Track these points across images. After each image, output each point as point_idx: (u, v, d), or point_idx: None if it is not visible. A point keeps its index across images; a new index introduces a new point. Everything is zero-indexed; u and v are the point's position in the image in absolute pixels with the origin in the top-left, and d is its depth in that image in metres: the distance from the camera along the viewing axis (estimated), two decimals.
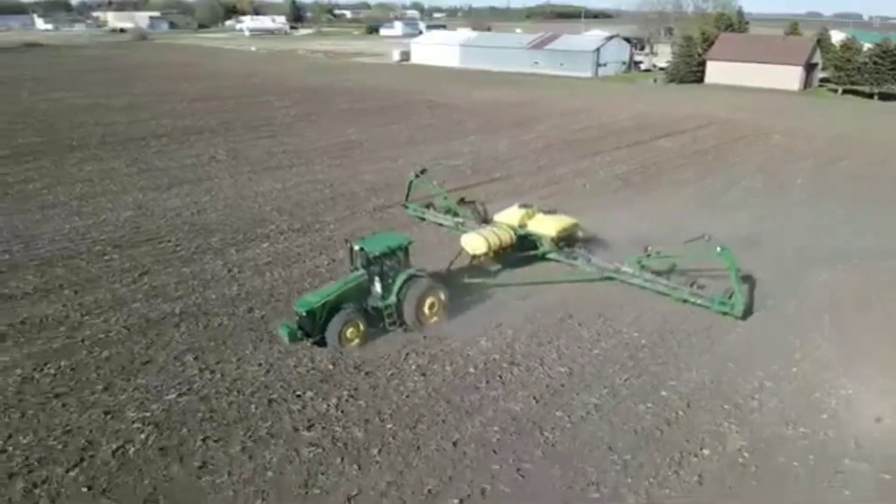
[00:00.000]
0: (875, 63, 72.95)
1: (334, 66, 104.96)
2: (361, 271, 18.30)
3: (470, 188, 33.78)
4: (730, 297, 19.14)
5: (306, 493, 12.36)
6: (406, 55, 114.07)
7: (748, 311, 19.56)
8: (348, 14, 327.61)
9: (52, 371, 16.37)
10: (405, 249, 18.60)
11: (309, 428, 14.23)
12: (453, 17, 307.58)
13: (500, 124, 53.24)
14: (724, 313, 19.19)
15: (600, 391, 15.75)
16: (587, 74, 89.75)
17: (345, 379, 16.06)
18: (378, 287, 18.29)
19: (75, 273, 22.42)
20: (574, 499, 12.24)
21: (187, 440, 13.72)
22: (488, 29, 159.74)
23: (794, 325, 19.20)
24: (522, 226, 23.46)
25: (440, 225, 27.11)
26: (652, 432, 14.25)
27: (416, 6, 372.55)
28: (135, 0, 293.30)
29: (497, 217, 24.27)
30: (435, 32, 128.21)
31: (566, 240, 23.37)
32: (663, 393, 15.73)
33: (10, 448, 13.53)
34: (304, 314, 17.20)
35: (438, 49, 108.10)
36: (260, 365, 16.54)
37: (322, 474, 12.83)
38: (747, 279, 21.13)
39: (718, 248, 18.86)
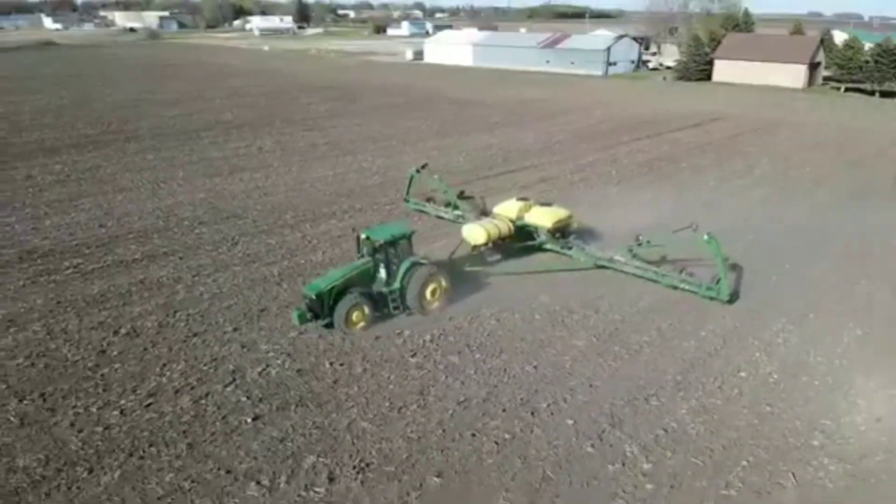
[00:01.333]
0: (876, 62, 75.94)
1: (350, 65, 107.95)
2: (368, 258, 19.33)
3: (507, 174, 36.99)
4: (717, 282, 20.06)
5: (423, 400, 15.36)
6: (419, 54, 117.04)
7: (734, 296, 20.53)
8: (351, 14, 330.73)
9: (184, 317, 19.37)
10: (409, 238, 19.64)
11: (413, 356, 17.25)
12: (455, 17, 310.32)
13: (522, 118, 56.22)
14: (711, 298, 20.17)
15: (650, 332, 18.72)
16: (598, 73, 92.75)
17: (433, 323, 19.06)
18: (383, 273, 19.36)
19: (173, 243, 25.45)
20: (639, 402, 15.23)
21: (317, 365, 16.73)
22: (495, 29, 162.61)
23: (809, 282, 22.22)
24: (520, 218, 24.45)
25: (440, 217, 28.31)
26: (696, 360, 17.24)
27: (418, 6, 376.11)
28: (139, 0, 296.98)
29: (496, 209, 25.22)
30: (448, 32, 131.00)
31: (561, 230, 24.46)
32: (703, 333, 18.72)
33: (168, 373, 16.52)
34: (314, 297, 18.07)
35: (451, 48, 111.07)
36: None
37: (432, 387, 15.84)
38: (734, 266, 22.30)
39: (705, 236, 19.86)
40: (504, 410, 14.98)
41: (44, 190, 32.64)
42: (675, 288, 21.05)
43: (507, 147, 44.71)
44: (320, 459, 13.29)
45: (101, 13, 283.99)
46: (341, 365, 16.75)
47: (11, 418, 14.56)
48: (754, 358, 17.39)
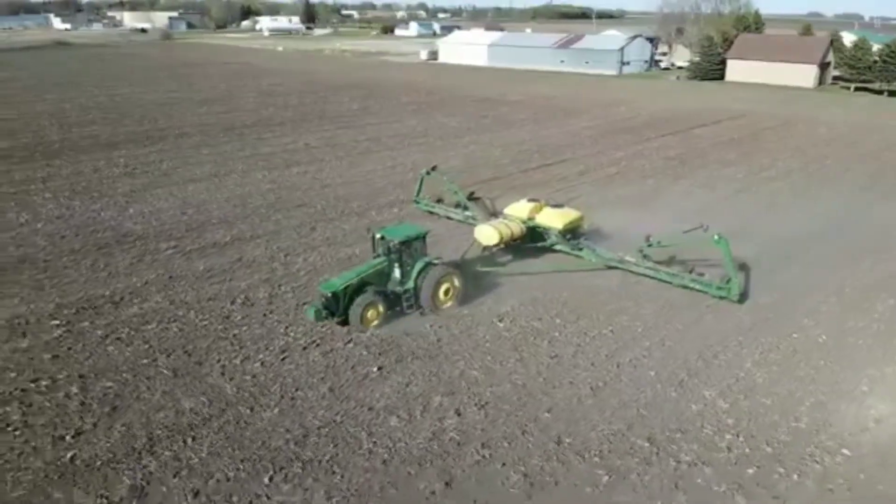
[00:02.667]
0: (885, 62, 78.16)
1: (367, 65, 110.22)
2: (383, 258, 19.74)
3: (546, 167, 39.30)
4: (727, 282, 20.31)
5: (519, 355, 17.63)
6: (434, 54, 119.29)
7: (744, 296, 20.82)
8: (355, 14, 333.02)
9: (289, 290, 21.62)
10: (423, 238, 20.01)
11: (500, 321, 19.53)
12: (457, 18, 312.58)
13: (547, 116, 58.49)
14: (722, 297, 20.43)
15: (708, 303, 20.91)
16: (612, 72, 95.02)
17: (512, 293, 21.33)
18: (397, 273, 19.68)
19: (256, 228, 27.73)
20: (709, 358, 17.50)
21: (418, 327, 19.00)
22: (501, 29, 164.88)
23: (842, 258, 24.65)
24: (531, 218, 24.66)
25: (449, 219, 28.57)
26: (753, 325, 19.49)
27: (420, 6, 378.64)
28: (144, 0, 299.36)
29: (507, 210, 25.37)
30: (462, 33, 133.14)
31: (572, 232, 24.64)
32: (754, 305, 20.96)
33: (292, 333, 18.67)
34: (329, 295, 18.43)
35: (466, 49, 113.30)
36: None
37: (524, 346, 18.11)
38: (742, 266, 22.55)
39: (715, 237, 20.13)
40: (592, 364, 17.25)
41: (115, 181, 34.91)
42: (686, 288, 21.20)
43: (538, 142, 46.97)
44: (444, 399, 15.56)
45: (110, 13, 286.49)
46: (440, 327, 19.03)
47: (164, 371, 16.82)
48: (803, 323, 19.66)
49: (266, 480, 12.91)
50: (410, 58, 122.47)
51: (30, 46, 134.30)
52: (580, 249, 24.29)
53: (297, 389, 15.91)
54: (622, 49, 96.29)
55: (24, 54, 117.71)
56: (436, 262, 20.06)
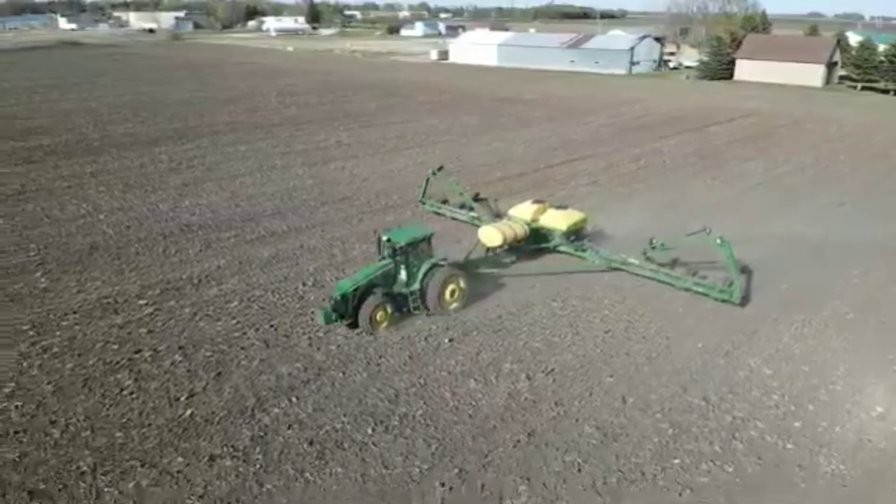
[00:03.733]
0: (891, 62, 79.92)
1: (379, 65, 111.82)
2: (389, 260, 19.87)
3: (570, 163, 41.02)
4: (729, 285, 20.45)
5: (575, 330, 19.33)
6: (444, 54, 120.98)
7: (746, 299, 21.03)
8: (358, 15, 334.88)
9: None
10: (428, 240, 20.21)
11: (553, 300, 21.22)
12: (459, 18, 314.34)
13: (563, 114, 60.17)
14: (724, 300, 20.60)
15: None
16: (622, 72, 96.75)
17: (556, 279, 23.02)
18: (404, 274, 19.87)
19: (307, 220, 29.40)
20: (749, 333, 19.19)
21: (479, 305, 20.68)
22: (506, 29, 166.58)
23: (860, 240, 26.46)
24: (535, 220, 24.90)
25: (455, 219, 28.87)
26: (788, 303, 21.16)
27: (422, 6, 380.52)
28: (148, 0, 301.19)
29: (511, 212, 25.61)
30: (473, 33, 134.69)
31: (575, 233, 24.93)
32: (784, 286, 22.62)
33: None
34: (339, 298, 18.72)
35: (476, 48, 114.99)
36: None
37: (578, 322, 19.81)
38: (744, 269, 22.59)
39: (718, 240, 20.35)
40: (644, 338, 18.94)
41: (164, 176, 36.59)
42: (688, 290, 21.37)
43: (558, 140, 48.66)
44: (514, 365, 17.27)
45: (115, 13, 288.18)
46: (497, 306, 20.72)
47: (256, 342, 18.50)
48: (833, 303, 21.35)
49: (369, 431, 14.60)
50: (420, 58, 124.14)
51: (40, 46, 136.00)
52: (584, 251, 24.46)
53: (380, 357, 17.60)
54: (632, 49, 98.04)
55: (37, 53, 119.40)
56: (441, 263, 20.24)
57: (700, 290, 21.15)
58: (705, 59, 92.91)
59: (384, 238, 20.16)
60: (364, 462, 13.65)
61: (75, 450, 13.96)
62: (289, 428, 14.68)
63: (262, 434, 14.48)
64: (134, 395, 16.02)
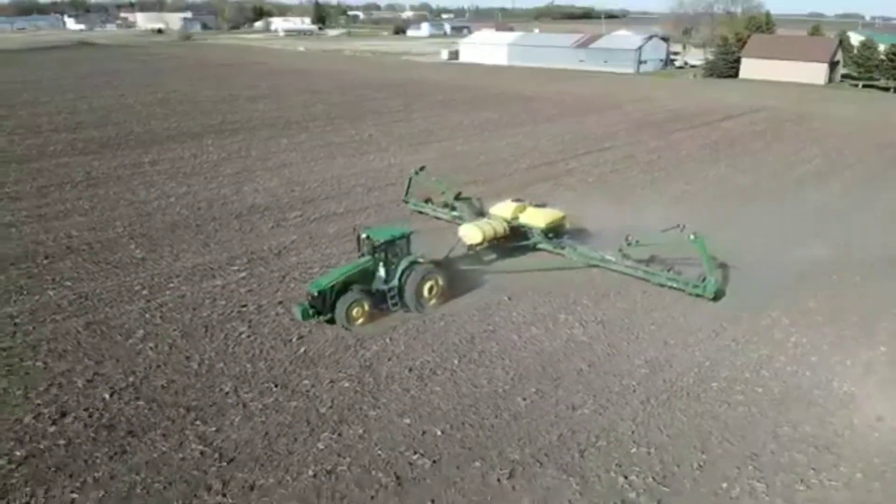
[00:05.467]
0: (891, 61, 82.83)
1: (391, 65, 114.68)
2: (368, 257, 20.30)
3: (592, 154, 43.93)
4: (703, 280, 21.01)
5: (618, 290, 22.20)
6: (454, 54, 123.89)
7: (720, 294, 21.43)
8: (361, 15, 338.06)
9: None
10: (407, 238, 20.56)
11: (593, 267, 24.12)
12: (461, 18, 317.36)
13: (579, 111, 63.07)
14: (698, 296, 21.13)
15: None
16: (630, 71, 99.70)
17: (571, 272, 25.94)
18: (382, 272, 20.31)
19: (362, 202, 32.38)
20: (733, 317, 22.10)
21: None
22: (511, 29, 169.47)
23: (873, 216, 29.39)
24: (515, 218, 25.44)
25: (438, 218, 29.28)
26: (804, 275, 24.06)
27: (424, 7, 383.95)
28: (152, 0, 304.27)
29: (492, 210, 26.14)
30: (483, 33, 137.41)
31: (554, 231, 25.39)
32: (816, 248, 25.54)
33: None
34: (316, 294, 18.98)
35: (486, 48, 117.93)
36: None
37: (621, 286, 22.68)
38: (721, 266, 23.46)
39: (692, 236, 20.74)
40: (679, 295, 21.83)
41: (217, 165, 39.50)
42: (663, 286, 21.88)
43: (578, 133, 51.54)
44: (568, 316, 20.31)
45: (123, 14, 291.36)
46: (542, 275, 23.64)
47: None
48: (853, 278, 24.26)
49: (455, 362, 17.53)
50: (430, 57, 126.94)
51: (55, 46, 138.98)
52: (562, 248, 24.98)
53: (451, 311, 20.49)
54: (640, 48, 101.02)
55: (56, 53, 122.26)
56: (420, 260, 20.59)
57: (675, 285, 21.66)
58: (711, 58, 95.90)
59: (363, 236, 20.63)
60: (456, 384, 16.58)
61: (215, 377, 16.86)
62: (388, 360, 17.61)
63: (368, 364, 17.40)
64: (251, 338, 18.91)
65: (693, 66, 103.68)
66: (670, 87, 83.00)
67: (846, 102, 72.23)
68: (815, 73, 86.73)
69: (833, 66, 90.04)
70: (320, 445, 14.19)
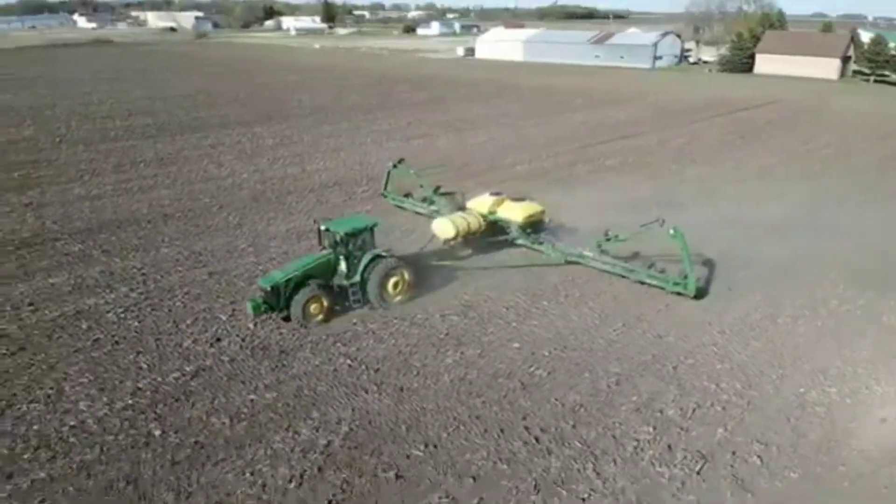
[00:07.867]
0: None
1: (408, 62, 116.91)
2: (329, 250, 19.38)
3: (620, 140, 46.32)
4: (684, 277, 20.15)
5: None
6: (470, 51, 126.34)
7: (701, 292, 20.79)
8: (367, 14, 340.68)
9: None
10: (371, 231, 19.60)
11: None
12: (466, 18, 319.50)
13: (600, 102, 65.44)
14: (679, 293, 20.41)
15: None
16: (646, 66, 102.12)
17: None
18: (343, 266, 19.21)
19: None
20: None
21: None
22: (522, 27, 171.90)
23: (881, 194, 31.66)
24: (492, 212, 24.55)
25: (418, 213, 28.53)
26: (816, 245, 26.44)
27: (429, 6, 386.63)
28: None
29: (469, 203, 25.31)
30: (498, 30, 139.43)
31: (533, 226, 24.43)
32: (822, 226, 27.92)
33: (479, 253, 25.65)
34: (269, 290, 18.12)
35: (502, 45, 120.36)
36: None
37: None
38: (708, 261, 23.38)
39: (671, 231, 19.77)
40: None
41: (274, 149, 41.89)
42: (643, 283, 21.23)
43: (604, 122, 53.92)
44: (587, 298, 22.55)
45: (133, 13, 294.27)
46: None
47: (432, 257, 23.75)
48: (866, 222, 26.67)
49: (545, 304, 19.98)
50: (445, 55, 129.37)
51: (71, 44, 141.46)
52: (540, 244, 24.07)
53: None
54: (656, 44, 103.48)
55: (80, 51, 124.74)
56: (384, 254, 19.68)
57: (654, 282, 21.00)
58: (725, 53, 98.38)
59: (323, 228, 19.71)
60: (550, 319, 19.14)
61: (338, 313, 19.22)
62: (485, 301, 20.05)
63: (468, 304, 19.85)
64: None
65: (706, 62, 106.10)
66: (686, 82, 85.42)
67: (856, 96, 74.74)
68: (829, 67, 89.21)
69: (845, 61, 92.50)
70: (448, 360, 16.64)
